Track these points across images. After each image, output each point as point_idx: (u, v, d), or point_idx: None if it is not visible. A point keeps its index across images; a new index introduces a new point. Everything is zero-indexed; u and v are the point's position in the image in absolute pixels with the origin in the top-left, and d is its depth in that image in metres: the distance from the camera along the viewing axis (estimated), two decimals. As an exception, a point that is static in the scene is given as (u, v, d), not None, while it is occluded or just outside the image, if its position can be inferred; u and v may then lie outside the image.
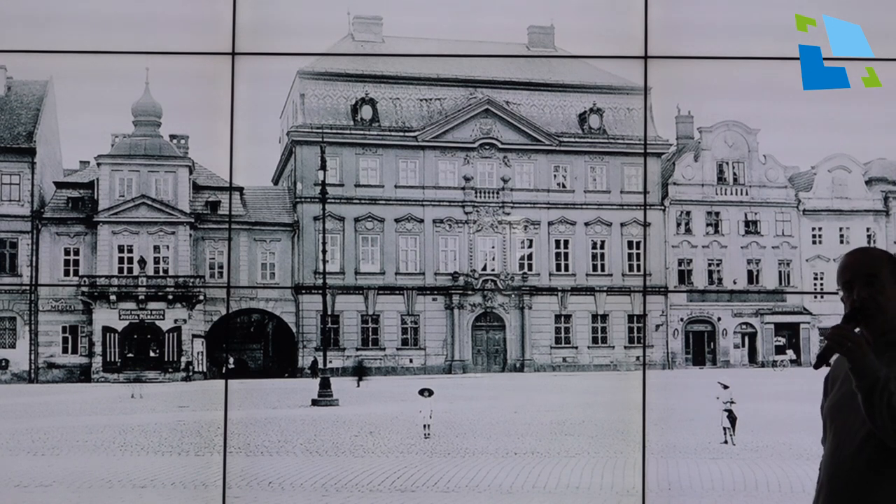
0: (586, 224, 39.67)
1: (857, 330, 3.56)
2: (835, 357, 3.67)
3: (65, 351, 36.19)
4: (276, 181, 42.20)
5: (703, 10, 34.46)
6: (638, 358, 38.37)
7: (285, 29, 34.44)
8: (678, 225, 39.91)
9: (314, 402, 28.66)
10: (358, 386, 34.70)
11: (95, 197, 36.99)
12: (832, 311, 39.40)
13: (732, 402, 21.35)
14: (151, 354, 36.47)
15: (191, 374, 36.23)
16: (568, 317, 39.13)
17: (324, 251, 36.66)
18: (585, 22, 38.23)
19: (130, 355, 36.29)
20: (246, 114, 30.61)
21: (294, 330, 37.64)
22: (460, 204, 39.15)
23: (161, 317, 36.46)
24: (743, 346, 39.77)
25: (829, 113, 36.29)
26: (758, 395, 27.93)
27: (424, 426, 21.30)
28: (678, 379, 35.26)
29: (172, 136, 38.43)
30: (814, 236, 40.29)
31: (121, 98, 37.56)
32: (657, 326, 38.59)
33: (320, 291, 36.16)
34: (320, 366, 34.47)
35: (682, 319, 38.97)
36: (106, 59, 37.19)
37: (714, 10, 34.73)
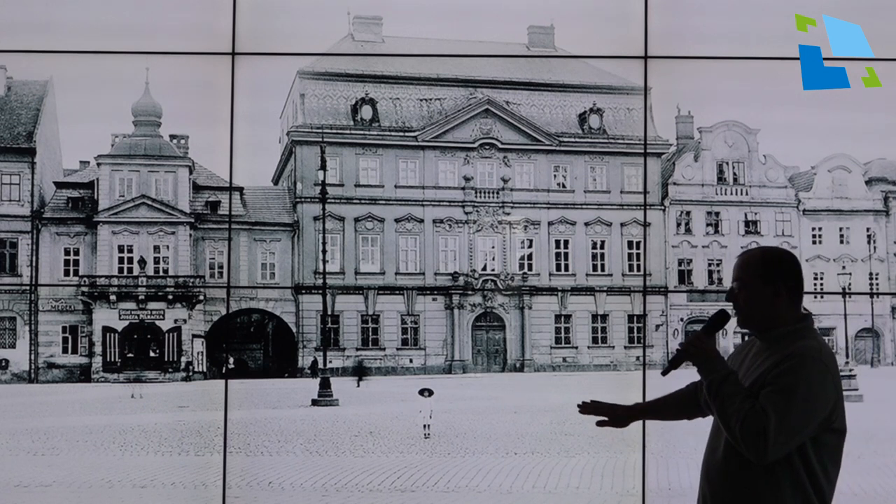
0: (586, 224, 39.67)
1: (748, 332, 3.91)
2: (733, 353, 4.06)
3: (65, 351, 36.20)
4: (276, 181, 42.21)
5: (704, 9, 34.46)
6: (638, 358, 38.36)
7: (285, 29, 34.44)
8: (678, 225, 39.90)
9: (314, 402, 28.65)
10: (358, 386, 34.70)
11: (95, 197, 37.00)
12: (832, 310, 39.40)
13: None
14: (151, 354, 36.48)
15: (191, 374, 36.23)
16: (568, 317, 39.13)
17: (324, 251, 36.66)
18: (585, 21, 38.25)
19: (130, 355, 36.29)
20: (246, 114, 30.61)
21: (294, 330, 37.64)
22: (460, 204, 39.15)
23: (161, 317, 36.47)
24: (743, 346, 39.73)
25: (829, 113, 36.30)
26: (758, 395, 27.86)
27: (424, 426, 21.28)
28: (678, 379, 35.19)
29: (172, 137, 38.44)
30: (814, 236, 40.28)
31: (121, 98, 37.60)
32: (657, 326, 38.58)
33: (320, 291, 36.16)
34: (320, 366, 34.47)
35: (682, 319, 38.97)
36: (106, 59, 37.19)
37: (714, 9, 34.74)
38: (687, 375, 4.34)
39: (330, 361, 35.12)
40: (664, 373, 3.94)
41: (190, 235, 37.15)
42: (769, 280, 3.79)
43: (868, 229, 40.12)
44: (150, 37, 31.06)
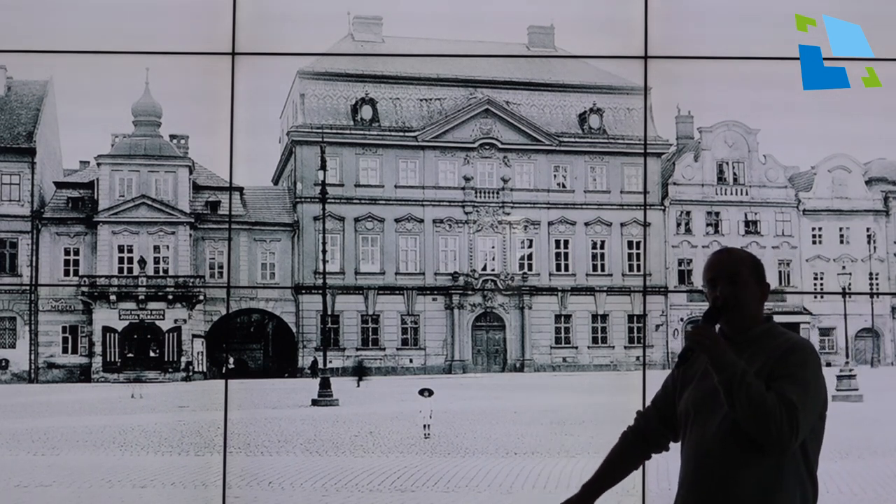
0: (586, 224, 39.67)
1: (717, 327, 3.83)
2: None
3: (65, 351, 36.20)
4: (276, 181, 42.21)
5: (704, 8, 34.46)
6: (638, 358, 38.36)
7: (286, 29, 34.45)
8: (678, 225, 39.90)
9: (314, 402, 28.64)
10: (358, 386, 34.68)
11: (95, 197, 37.00)
12: (832, 310, 39.40)
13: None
14: (151, 354, 36.48)
15: (191, 374, 36.23)
16: (568, 317, 39.13)
17: (324, 251, 36.66)
18: (585, 21, 38.24)
19: (130, 355, 36.30)
20: (246, 114, 30.60)
21: (294, 330, 37.64)
22: (460, 204, 39.15)
23: (161, 317, 36.46)
24: (743, 346, 39.73)
25: (829, 113, 36.30)
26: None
27: (424, 426, 21.27)
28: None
29: (172, 136, 38.44)
30: (814, 236, 40.28)
31: (121, 98, 37.60)
32: (657, 326, 38.58)
33: (320, 291, 36.15)
34: (320, 366, 34.46)
35: (682, 319, 38.97)
36: (106, 59, 37.20)
37: (714, 8, 34.73)
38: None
39: (330, 361, 35.12)
40: (678, 366, 3.92)
41: (190, 235, 37.15)
42: (761, 282, 3.85)
43: (868, 229, 40.12)
44: (150, 36, 31.06)
